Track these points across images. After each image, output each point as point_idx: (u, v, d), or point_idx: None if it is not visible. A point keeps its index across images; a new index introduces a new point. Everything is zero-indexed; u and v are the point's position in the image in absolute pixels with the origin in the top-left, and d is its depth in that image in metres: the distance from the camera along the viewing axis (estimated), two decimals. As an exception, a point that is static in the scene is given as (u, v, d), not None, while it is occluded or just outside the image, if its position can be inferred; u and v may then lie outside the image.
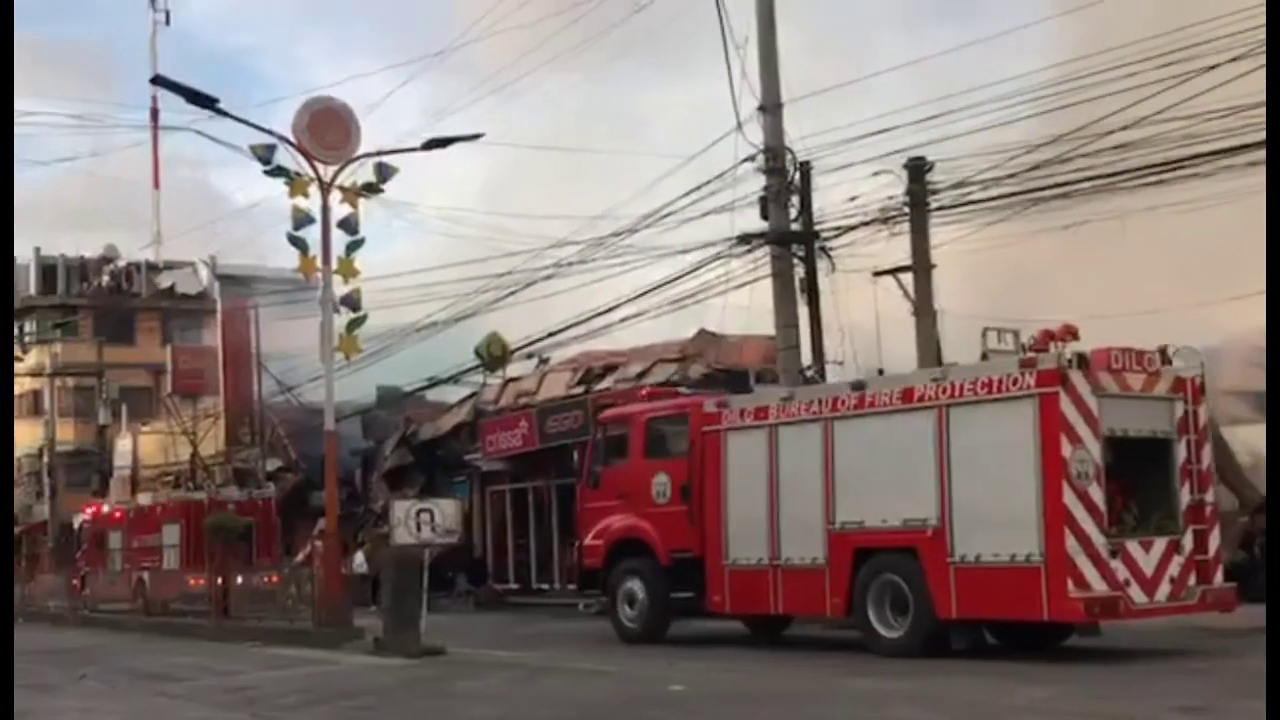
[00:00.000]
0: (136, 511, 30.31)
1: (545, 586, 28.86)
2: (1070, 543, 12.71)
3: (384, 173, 19.81)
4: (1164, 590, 13.36)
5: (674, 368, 27.10)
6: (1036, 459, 12.92)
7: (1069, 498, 12.76)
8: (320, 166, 19.51)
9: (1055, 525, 12.73)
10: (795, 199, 20.41)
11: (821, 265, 20.45)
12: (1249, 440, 24.37)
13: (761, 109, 20.11)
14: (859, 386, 14.97)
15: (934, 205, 19.25)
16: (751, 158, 20.12)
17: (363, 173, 19.85)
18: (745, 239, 20.49)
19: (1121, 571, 12.99)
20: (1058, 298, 25.82)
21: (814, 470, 14.82)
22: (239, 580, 22.83)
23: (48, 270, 55.32)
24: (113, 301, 53.21)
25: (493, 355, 31.46)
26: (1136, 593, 13.10)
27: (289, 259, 20.31)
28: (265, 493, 30.69)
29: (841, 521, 14.56)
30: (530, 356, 30.42)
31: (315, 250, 19.59)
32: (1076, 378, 13.03)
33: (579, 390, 28.65)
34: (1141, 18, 18.76)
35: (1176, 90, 15.97)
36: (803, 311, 20.50)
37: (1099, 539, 12.86)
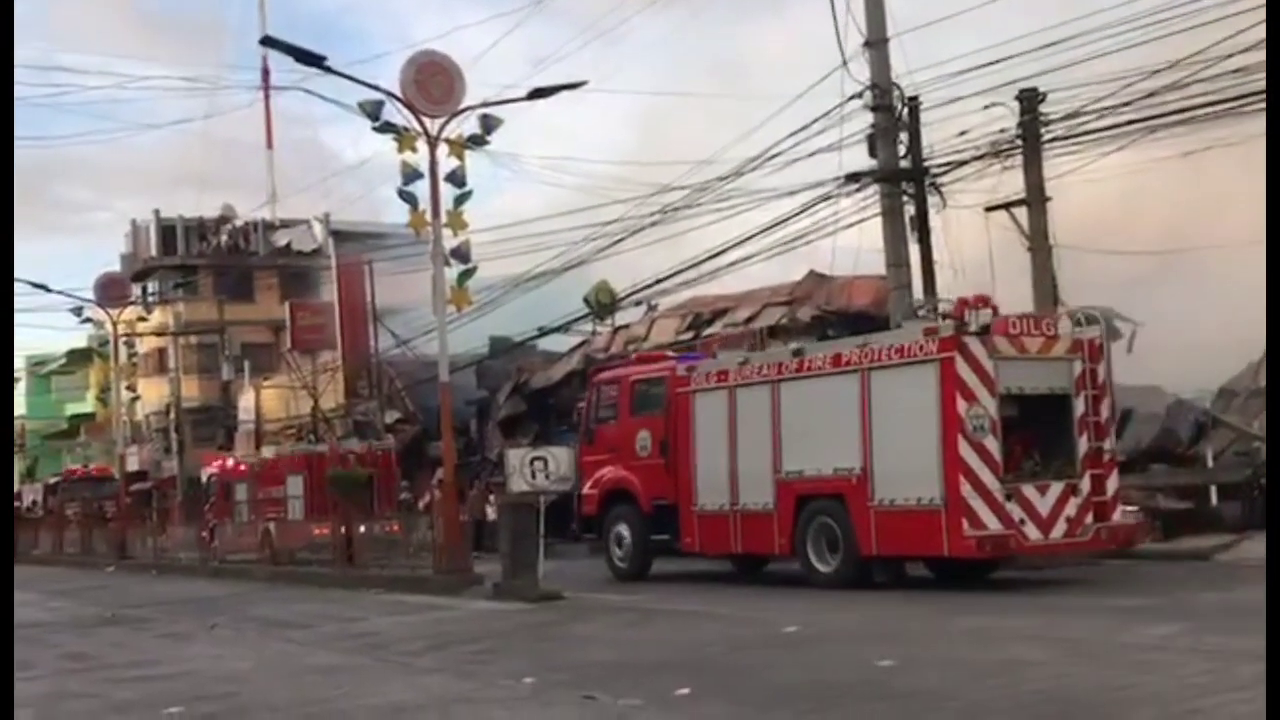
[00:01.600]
0: (261, 464, 31.07)
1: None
2: (965, 488, 14.47)
3: (489, 124, 19.86)
4: (1060, 528, 15.04)
5: (783, 310, 27.00)
6: (938, 415, 14.70)
7: (964, 449, 14.53)
8: (427, 121, 19.58)
9: (953, 473, 14.55)
10: (903, 135, 20.11)
11: (932, 202, 20.16)
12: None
13: (867, 44, 19.80)
14: (798, 353, 16.98)
15: (1047, 137, 18.81)
16: (858, 95, 19.84)
17: (468, 125, 19.93)
18: (853, 177, 20.26)
19: (1017, 512, 14.70)
20: (1180, 226, 25.16)
21: (764, 426, 16.78)
22: (361, 529, 23.30)
23: (167, 231, 56.67)
24: (231, 260, 54.44)
25: (601, 303, 31.63)
26: (1032, 530, 14.83)
27: (400, 214, 20.52)
28: (385, 444, 31.27)
29: (786, 471, 16.52)
30: (639, 303, 30.50)
31: (425, 204, 19.74)
32: (972, 343, 14.77)
33: (688, 336, 28.69)
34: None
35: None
36: (914, 250, 20.24)
37: (994, 484, 14.60)
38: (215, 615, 17.54)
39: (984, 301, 15.39)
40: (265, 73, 53.28)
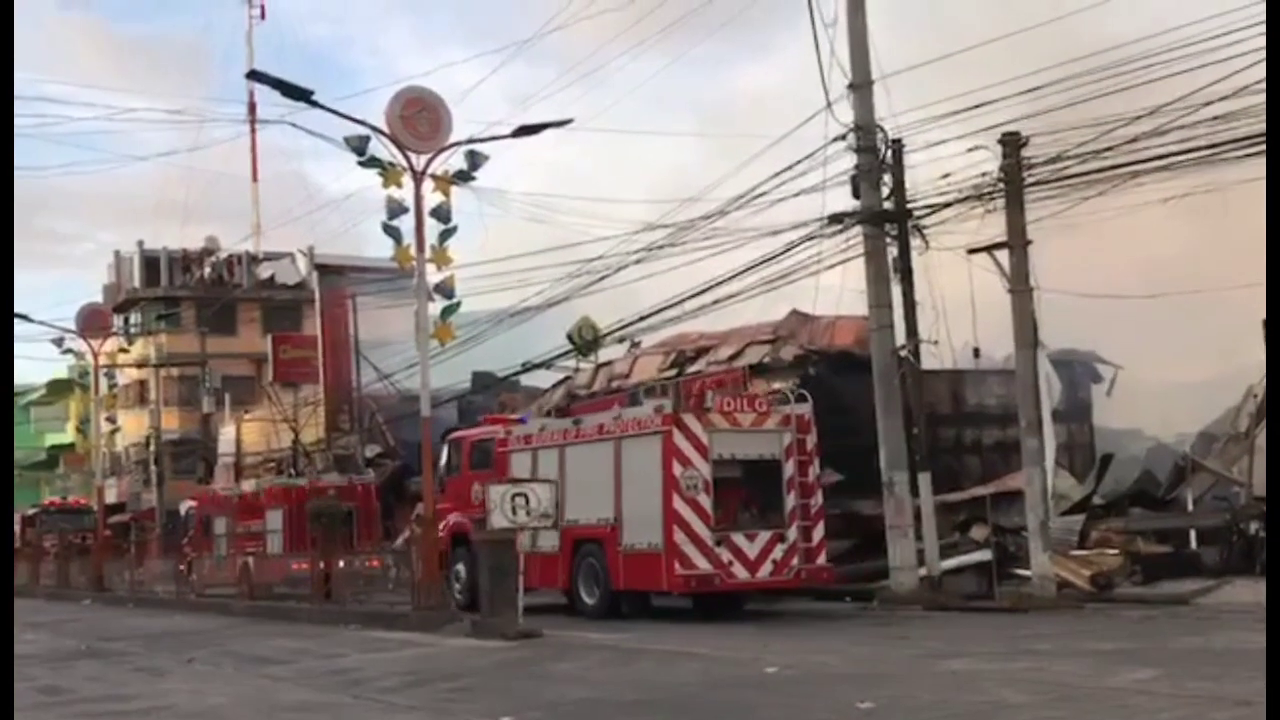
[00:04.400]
0: (240, 498, 30.93)
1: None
2: (679, 535, 17.83)
3: (475, 161, 19.95)
4: (767, 569, 18.37)
5: (766, 349, 26.99)
6: (661, 477, 17.97)
7: (679, 504, 17.88)
8: (413, 156, 19.69)
9: (669, 523, 17.90)
10: (887, 177, 20.19)
11: (914, 244, 20.21)
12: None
13: (851, 87, 19.90)
14: (577, 422, 20.69)
15: (1029, 180, 18.91)
16: (842, 136, 19.91)
17: (454, 161, 20.02)
18: (837, 219, 20.30)
19: (726, 555, 18.04)
20: (1156, 272, 25.32)
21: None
22: (340, 564, 23.18)
23: (151, 262, 56.58)
24: (214, 292, 54.32)
25: (585, 339, 31.61)
26: (740, 570, 18.18)
27: (384, 248, 20.63)
28: (365, 478, 31.15)
29: (568, 519, 19.11)
30: (622, 340, 30.48)
31: (409, 239, 19.81)
32: (688, 418, 18.19)
33: (671, 373, 28.64)
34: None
35: (1279, 57, 15.48)
36: (896, 291, 20.29)
37: (705, 532, 17.92)
38: (192, 650, 17.41)
39: (719, 383, 19.85)
40: (251, 106, 53.32)
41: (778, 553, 18.39)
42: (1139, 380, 26.11)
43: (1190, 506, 21.00)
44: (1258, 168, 17.00)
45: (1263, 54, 15.43)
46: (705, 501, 18.01)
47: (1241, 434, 21.18)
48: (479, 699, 11.39)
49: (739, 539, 18.23)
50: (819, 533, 18.85)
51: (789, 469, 18.68)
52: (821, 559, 18.89)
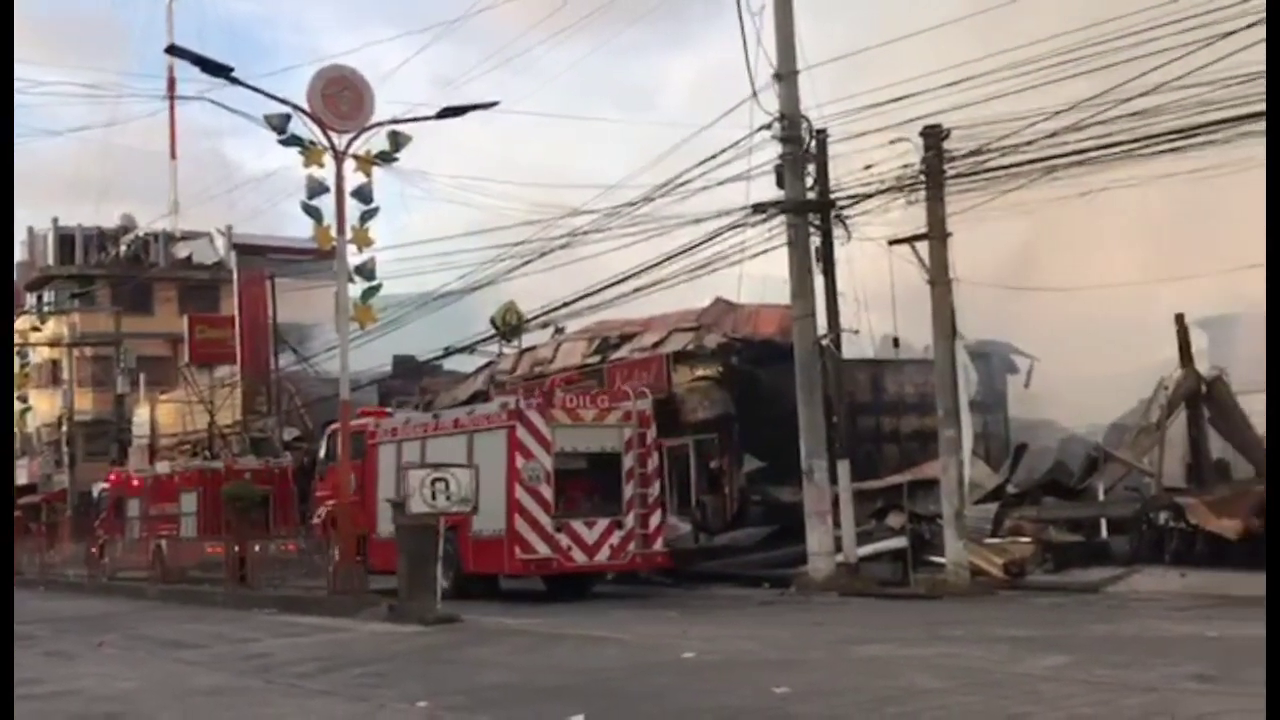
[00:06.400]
0: (154, 480, 30.47)
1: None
2: (519, 523, 19.10)
3: (398, 141, 19.80)
4: (604, 554, 19.65)
5: (689, 337, 27.07)
6: (506, 468, 19.09)
7: (520, 493, 19.16)
8: (334, 135, 19.50)
9: (511, 511, 19.14)
10: (811, 167, 20.30)
11: (837, 234, 20.35)
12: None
13: (777, 76, 19.97)
14: (436, 416, 22.39)
15: (950, 173, 19.11)
16: (767, 126, 20.00)
17: (376, 141, 19.86)
18: (760, 208, 20.38)
19: (565, 541, 19.30)
20: (1075, 264, 25.74)
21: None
22: (256, 548, 22.94)
23: (65, 240, 55.49)
24: (130, 271, 53.38)
25: (508, 324, 31.48)
26: (578, 555, 19.44)
27: (304, 229, 20.45)
28: (282, 461, 30.82)
29: None
30: (546, 326, 30.38)
31: (330, 220, 19.62)
32: (530, 413, 19.49)
33: (595, 359, 28.65)
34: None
35: (1194, 56, 15.80)
36: (818, 281, 20.42)
37: (545, 520, 19.20)
38: (103, 633, 17.12)
39: (560, 384, 21.46)
40: (171, 82, 52.36)
41: (615, 538, 19.67)
42: (1053, 372, 26.53)
43: (1101, 496, 21.37)
44: (1173, 164, 17.37)
45: (1183, 51, 15.75)
46: (546, 491, 19.29)
47: (1152, 425, 21.59)
48: (396, 684, 11.31)
49: (578, 526, 19.51)
50: (656, 520, 20.15)
51: (628, 461, 19.90)
52: (658, 545, 20.21)
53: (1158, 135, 16.82)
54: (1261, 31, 15.07)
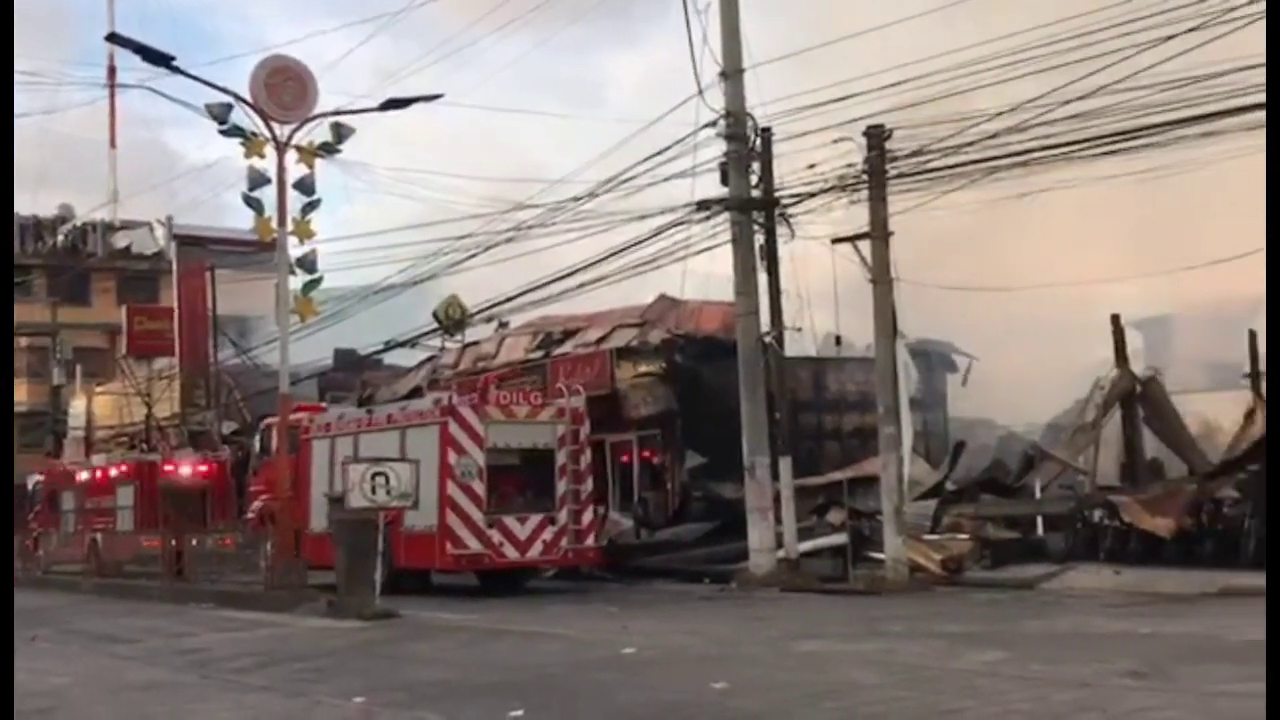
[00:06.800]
0: (90, 473, 30.06)
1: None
2: (451, 518, 19.12)
3: (341, 133, 19.69)
4: (537, 549, 19.78)
5: (633, 333, 27.08)
6: (438, 464, 19.00)
7: (453, 489, 19.18)
8: (276, 126, 19.37)
9: (443, 507, 19.09)
10: (755, 165, 20.36)
11: (781, 232, 20.43)
12: (1200, 408, 24.70)
13: (723, 74, 20.01)
14: (370, 411, 22.50)
15: (892, 173, 19.23)
16: (713, 123, 20.03)
17: (319, 133, 19.74)
18: (705, 205, 20.41)
19: (497, 537, 19.35)
20: (1015, 264, 25.99)
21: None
22: (193, 542, 22.71)
23: (1, 229, 54.37)
24: (68, 261, 52.55)
25: (451, 319, 31.29)
26: (510, 550, 19.52)
27: (245, 220, 20.29)
28: (220, 455, 30.51)
29: None
30: (489, 320, 30.28)
31: (271, 211, 19.51)
32: (464, 410, 19.55)
33: (538, 355, 28.58)
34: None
35: (1134, 60, 16.00)
36: (762, 278, 20.49)
37: (477, 515, 19.23)
38: (36, 627, 16.85)
39: (501, 379, 22.17)
40: (111, 70, 51.59)
41: (548, 534, 19.79)
42: (992, 371, 26.80)
43: (1038, 494, 21.62)
44: (1115, 166, 17.59)
45: (1125, 54, 15.94)
46: (479, 487, 19.39)
47: (1088, 425, 21.85)
48: (333, 679, 11.24)
49: (510, 521, 19.60)
50: (588, 516, 20.36)
51: (561, 457, 20.07)
52: (590, 540, 20.45)
53: (1098, 138, 17.02)
54: (1202, 35, 15.33)
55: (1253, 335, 23.67)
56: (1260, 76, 15.15)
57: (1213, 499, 18.54)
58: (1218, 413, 24.41)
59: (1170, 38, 15.62)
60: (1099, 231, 29.25)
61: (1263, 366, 23.38)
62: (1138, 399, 22.04)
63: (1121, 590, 16.54)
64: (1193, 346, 29.36)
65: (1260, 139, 15.92)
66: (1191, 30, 15.43)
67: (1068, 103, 16.89)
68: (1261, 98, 15.23)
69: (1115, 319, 22.09)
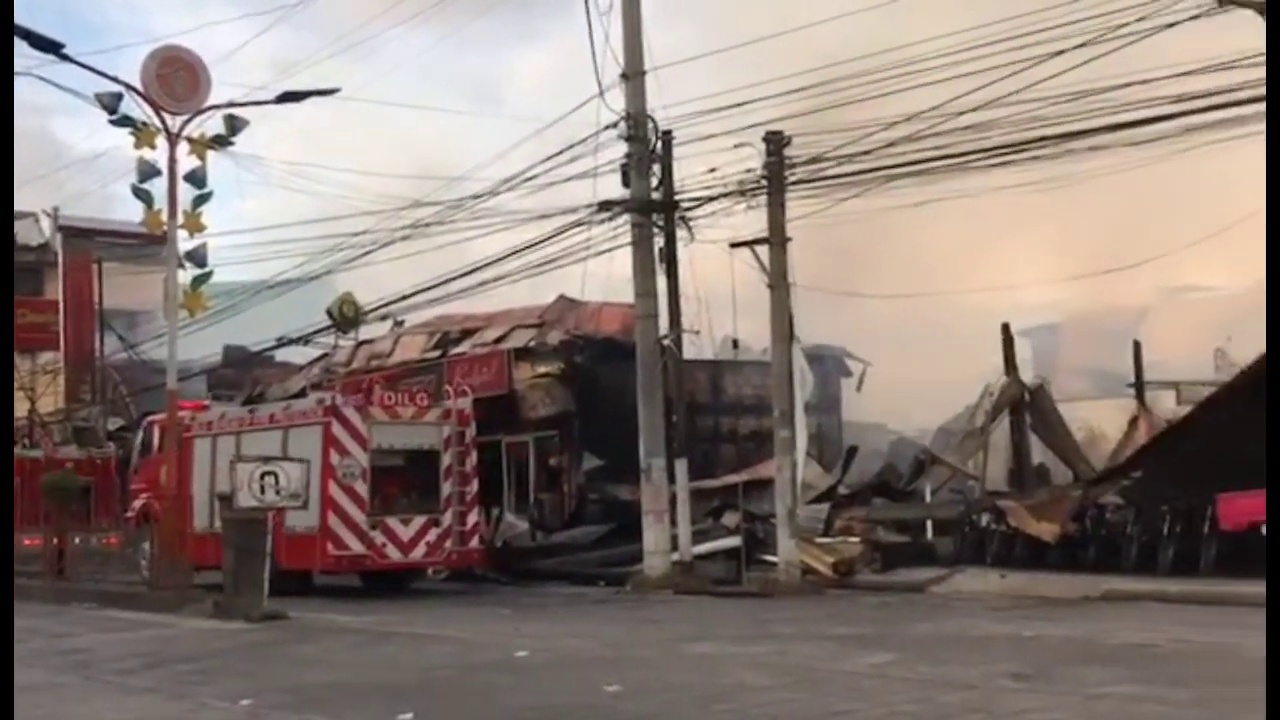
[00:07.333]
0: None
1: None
2: (333, 519, 19.07)
3: (234, 125, 19.37)
4: (420, 550, 19.79)
5: (532, 333, 26.98)
6: (320, 464, 18.78)
7: (334, 490, 19.13)
8: (168, 117, 19.02)
9: (325, 508, 18.99)
10: (656, 168, 20.41)
11: (681, 235, 20.50)
12: (1086, 416, 25.32)
13: (624, 76, 20.04)
14: (253, 410, 22.47)
15: (791, 179, 19.40)
16: (614, 125, 20.04)
17: (212, 125, 19.41)
18: (606, 206, 20.41)
19: (380, 538, 19.35)
20: (912, 273, 26.42)
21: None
22: (76, 541, 22.17)
23: (-123, 216, 52.64)
24: (-52, 251, 51.00)
25: (345, 316, 30.87)
26: (393, 551, 19.51)
27: (134, 212, 19.87)
28: (105, 452, 29.82)
29: None
30: (385, 319, 29.94)
31: (161, 203, 19.14)
32: (347, 410, 19.57)
33: (435, 354, 28.35)
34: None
35: (1026, 74, 16.31)
36: (661, 281, 20.54)
37: (360, 517, 19.24)
38: (-95, 629, 16.30)
39: (387, 379, 22.14)
40: (-5, 55, 50.16)
41: (432, 536, 19.82)
42: (885, 376, 27.19)
43: (928, 498, 21.97)
44: (1005, 177, 17.93)
45: (1011, 68, 16.25)
46: (362, 488, 19.39)
47: (977, 430, 22.26)
48: (219, 681, 11.03)
49: (394, 523, 19.61)
50: (473, 518, 20.43)
51: (447, 459, 20.08)
52: (475, 542, 20.53)
53: (991, 149, 17.33)
54: (1091, 51, 15.68)
55: (1138, 345, 24.35)
56: (1144, 93, 15.64)
57: (1096, 505, 18.97)
58: (1102, 420, 25.07)
59: (1060, 53, 15.95)
60: (992, 241, 29.84)
61: (1147, 376, 24.08)
62: (1026, 406, 22.50)
63: (1007, 594, 16.85)
64: (1079, 355, 30.08)
65: (1147, 153, 16.45)
66: (1080, 46, 15.78)
67: (962, 114, 17.18)
68: (1145, 113, 15.71)
69: (1005, 327, 22.53)
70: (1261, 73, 15.00)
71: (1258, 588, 14.73)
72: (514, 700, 9.63)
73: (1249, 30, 15.45)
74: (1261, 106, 14.98)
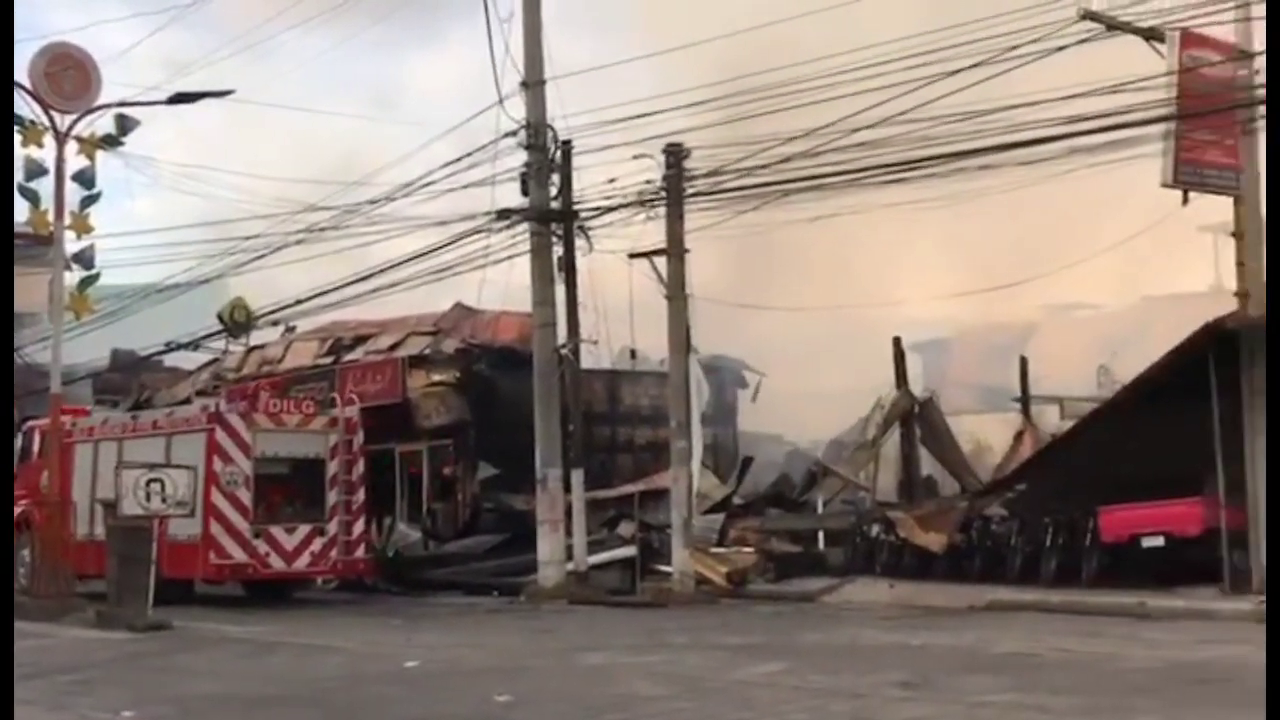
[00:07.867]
0: None
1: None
2: (215, 527, 18.88)
3: (125, 125, 19.02)
4: (305, 560, 19.63)
5: (428, 341, 26.78)
6: (203, 471, 18.46)
7: (217, 498, 18.93)
8: (56, 115, 18.61)
9: (207, 516, 18.79)
10: (556, 177, 20.40)
11: (580, 244, 20.50)
12: (973, 429, 25.81)
13: (524, 84, 20.01)
14: (135, 416, 22.44)
15: (689, 191, 19.52)
16: (513, 133, 19.99)
17: (102, 124, 19.05)
18: (505, 214, 20.34)
19: (264, 547, 19.16)
20: (807, 286, 26.72)
21: (112, 472, 18.67)
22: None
23: None
24: None
25: (236, 321, 30.34)
26: (276, 560, 19.33)
27: (20, 211, 19.44)
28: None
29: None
30: (276, 324, 29.49)
31: (48, 203, 18.75)
32: (231, 417, 19.48)
33: (327, 360, 28.01)
34: (899, 19, 19.42)
35: (920, 92, 16.59)
36: (559, 290, 20.52)
37: (243, 525, 19.09)
38: None
39: (272, 386, 21.92)
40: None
41: (316, 545, 19.67)
42: (780, 388, 27.45)
43: (820, 509, 22.20)
44: (899, 194, 18.23)
45: (906, 87, 16.53)
46: (245, 496, 19.24)
47: (868, 443, 22.56)
48: (100, 692, 10.79)
49: (278, 532, 19.45)
50: (359, 527, 20.29)
51: (333, 467, 19.94)
52: (360, 552, 20.36)
53: (884, 166, 17.59)
54: (984, 72, 16.00)
55: (1024, 361, 24.90)
56: (1034, 114, 16.00)
57: (982, 517, 19.33)
58: (989, 434, 25.58)
59: (955, 72, 16.25)
60: (886, 257, 30.28)
61: (1033, 391, 24.64)
62: (915, 419, 22.87)
63: (896, 603, 17.11)
64: (968, 370, 30.65)
65: (1036, 173, 16.83)
66: (974, 66, 16.09)
67: (855, 131, 17.42)
68: (1035, 133, 16.07)
69: (896, 341, 22.91)
70: (1149, 96, 15.55)
71: (1137, 598, 15.25)
72: (405, 711, 9.56)
73: (1136, 54, 15.95)
74: (1152, 129, 15.51)
